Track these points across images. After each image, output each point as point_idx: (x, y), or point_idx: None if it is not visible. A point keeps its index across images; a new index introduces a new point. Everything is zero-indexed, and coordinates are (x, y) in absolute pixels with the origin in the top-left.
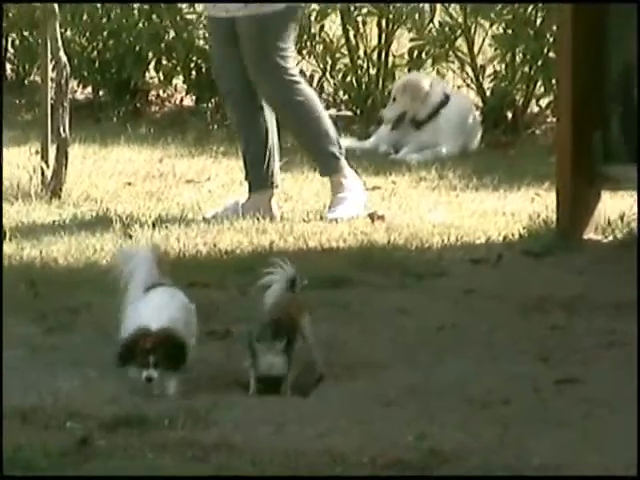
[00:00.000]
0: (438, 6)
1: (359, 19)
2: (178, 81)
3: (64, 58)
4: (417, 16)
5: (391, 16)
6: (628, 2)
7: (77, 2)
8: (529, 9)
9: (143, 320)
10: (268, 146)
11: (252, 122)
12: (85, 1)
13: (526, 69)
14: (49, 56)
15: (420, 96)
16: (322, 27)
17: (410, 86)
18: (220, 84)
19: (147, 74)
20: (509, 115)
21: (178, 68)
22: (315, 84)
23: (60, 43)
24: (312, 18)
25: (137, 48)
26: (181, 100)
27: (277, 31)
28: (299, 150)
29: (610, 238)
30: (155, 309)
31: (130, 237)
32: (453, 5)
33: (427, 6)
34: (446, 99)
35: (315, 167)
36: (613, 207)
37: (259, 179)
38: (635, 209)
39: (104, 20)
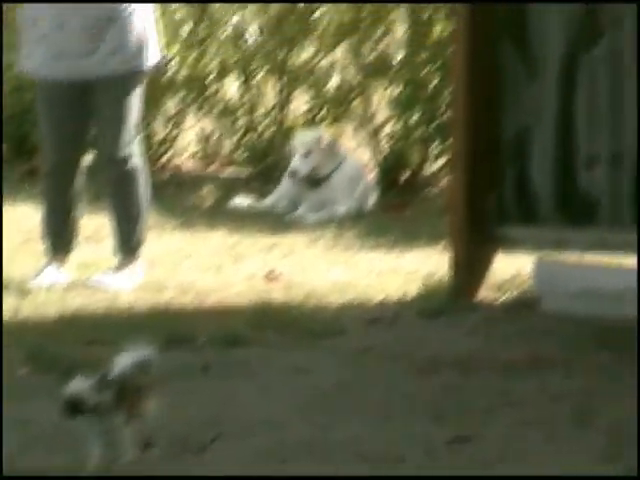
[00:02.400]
0: (337, 67)
1: (257, 79)
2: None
3: None
4: (314, 78)
5: (289, 77)
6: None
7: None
8: (425, 71)
9: None
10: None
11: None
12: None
13: (422, 130)
14: None
15: (334, 153)
16: (221, 86)
17: (328, 142)
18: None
19: None
20: (405, 176)
21: None
22: (214, 143)
23: None
24: (211, 77)
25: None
26: None
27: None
28: (196, 209)
29: (503, 298)
30: None
31: (26, 295)
32: (351, 66)
33: (325, 69)
34: (343, 158)
35: (126, 242)
36: (507, 267)
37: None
38: (528, 270)
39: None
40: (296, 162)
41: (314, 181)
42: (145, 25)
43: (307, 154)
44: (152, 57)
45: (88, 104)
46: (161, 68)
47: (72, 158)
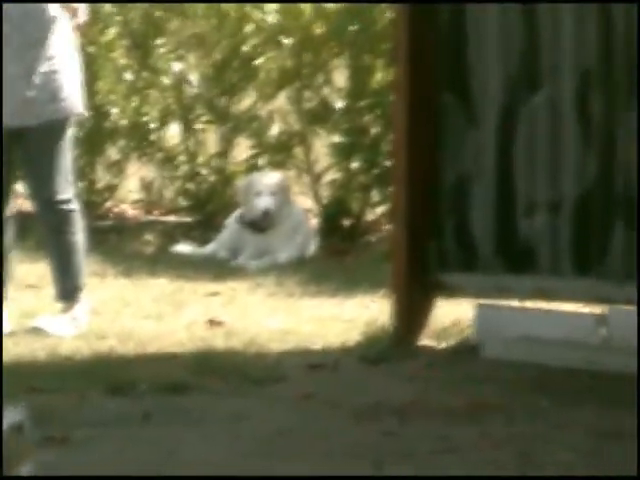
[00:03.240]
0: (278, 114)
1: (198, 127)
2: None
3: None
4: (256, 124)
5: (230, 124)
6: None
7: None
8: (365, 118)
9: None
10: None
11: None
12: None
13: (362, 178)
14: None
15: (288, 197)
16: (162, 134)
17: (284, 185)
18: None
19: None
20: (345, 223)
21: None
22: (156, 190)
23: None
24: (152, 125)
25: None
26: (21, 206)
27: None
28: (138, 256)
29: (444, 345)
30: None
31: None
32: (292, 113)
33: (266, 116)
34: (291, 204)
35: (66, 288)
36: (448, 314)
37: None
38: (469, 316)
39: None
40: (264, 201)
41: (258, 227)
42: (74, 74)
43: (274, 193)
44: (80, 104)
45: (17, 151)
46: (87, 115)
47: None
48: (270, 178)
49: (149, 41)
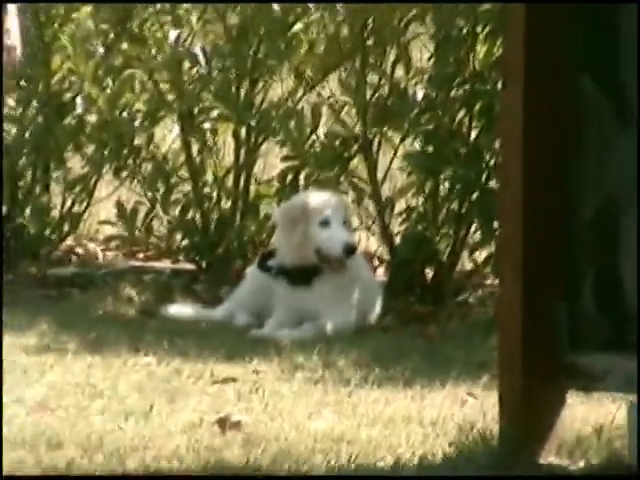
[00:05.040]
0: (324, 110)
1: (206, 126)
2: None
3: None
4: (293, 124)
5: (254, 123)
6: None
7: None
8: (459, 115)
9: None
10: None
11: None
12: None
13: (454, 205)
14: None
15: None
16: (151, 137)
17: (349, 212)
18: None
19: None
20: (429, 273)
21: None
22: (140, 222)
23: None
24: (137, 123)
25: None
26: None
27: None
28: (112, 321)
29: (581, 464)
30: None
31: None
32: (347, 109)
33: (309, 111)
34: None
35: None
36: (585, 416)
37: None
38: (617, 421)
39: None
40: (343, 234)
41: (299, 277)
42: None
43: (347, 222)
44: None
45: None
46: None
47: None
48: (341, 200)
49: None
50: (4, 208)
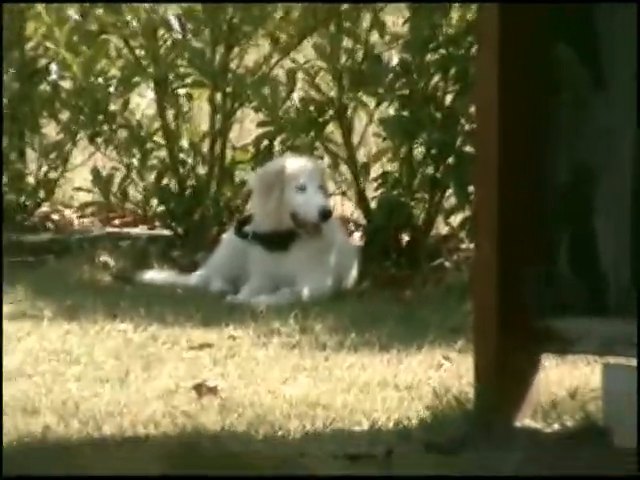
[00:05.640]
0: (299, 75)
1: (181, 92)
2: None
3: None
4: (267, 89)
5: (229, 89)
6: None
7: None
8: (434, 80)
9: None
10: None
11: None
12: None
13: (430, 169)
14: None
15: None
16: (126, 103)
17: (325, 177)
18: None
19: None
20: (404, 238)
21: None
22: (116, 187)
23: None
24: (112, 89)
25: None
26: None
27: None
28: (87, 287)
29: (555, 426)
30: None
31: None
32: (322, 74)
33: (284, 76)
34: None
35: None
36: (560, 379)
37: None
38: (592, 384)
39: None
40: (319, 199)
41: (276, 242)
42: None
43: (323, 188)
44: None
45: None
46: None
47: None
48: (316, 165)
49: None
50: None
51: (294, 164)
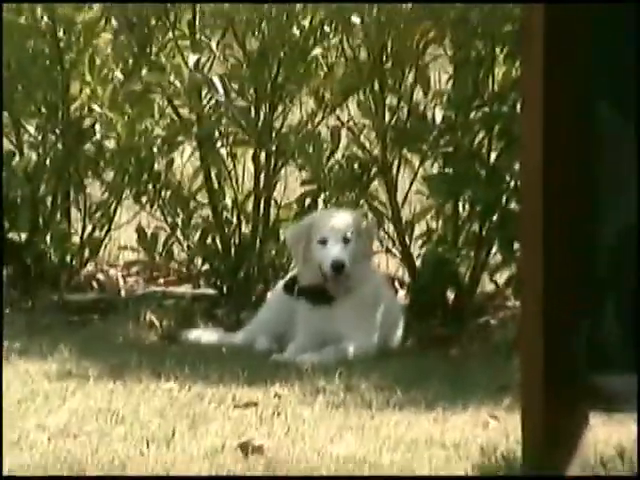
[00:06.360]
0: (343, 133)
1: (224, 151)
2: None
3: None
4: (311, 148)
5: (273, 147)
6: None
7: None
8: (478, 137)
9: None
10: None
11: None
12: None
13: (475, 227)
14: None
15: (368, 250)
16: (171, 162)
17: (363, 229)
18: None
19: None
20: (450, 296)
21: None
22: (161, 247)
23: None
24: (155, 149)
25: None
26: None
27: None
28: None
29: None
30: None
31: None
32: (366, 132)
33: (328, 134)
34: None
35: None
36: (608, 437)
37: None
38: None
39: None
40: (335, 251)
41: (320, 296)
42: None
43: (349, 240)
44: None
45: None
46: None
47: None
48: (341, 218)
49: (149, 21)
50: (24, 235)
51: (321, 217)
